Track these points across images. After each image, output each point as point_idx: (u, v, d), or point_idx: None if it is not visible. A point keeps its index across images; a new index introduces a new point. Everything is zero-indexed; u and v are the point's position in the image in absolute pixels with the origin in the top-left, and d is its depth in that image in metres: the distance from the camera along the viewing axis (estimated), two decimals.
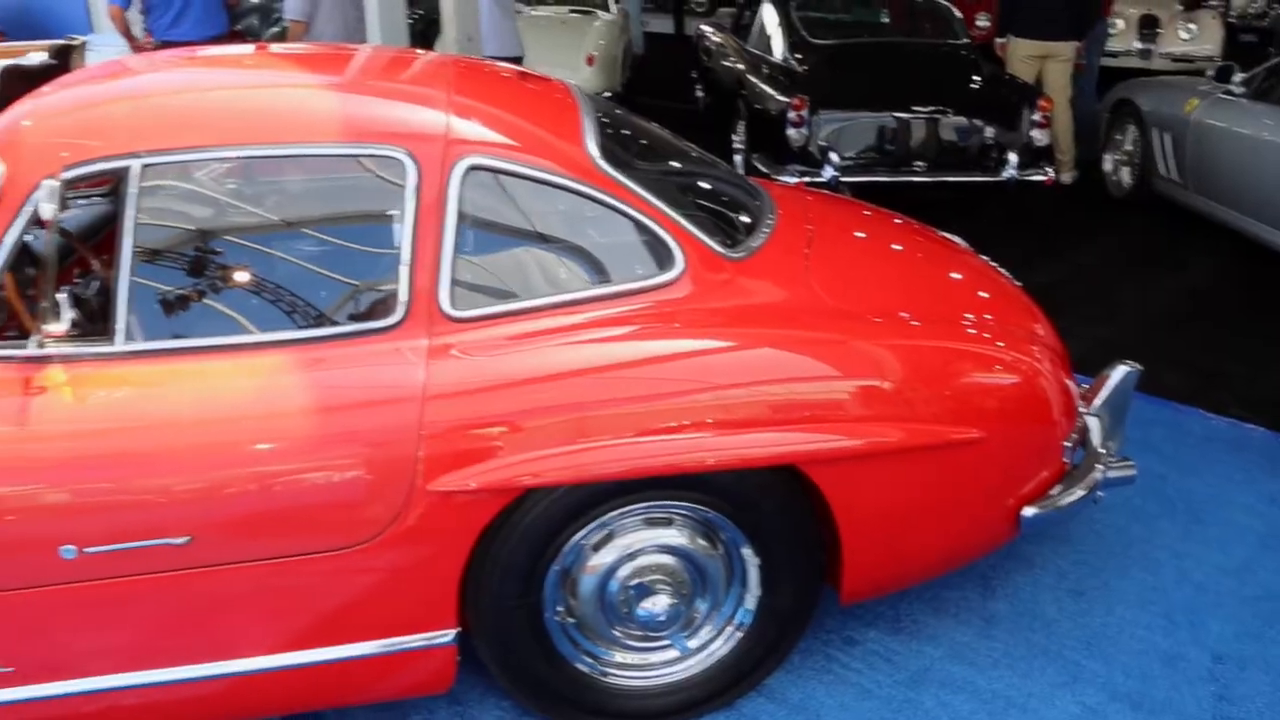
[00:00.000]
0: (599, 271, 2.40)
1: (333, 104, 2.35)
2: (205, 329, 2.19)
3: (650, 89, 9.80)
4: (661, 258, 2.37)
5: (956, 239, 3.35)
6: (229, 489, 2.05)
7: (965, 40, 6.94)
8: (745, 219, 2.72)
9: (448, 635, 2.23)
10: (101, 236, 2.57)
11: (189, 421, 2.06)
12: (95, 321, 2.18)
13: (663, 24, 13.61)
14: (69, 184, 2.10)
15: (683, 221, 2.40)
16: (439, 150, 2.22)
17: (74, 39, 5.67)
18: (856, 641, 2.75)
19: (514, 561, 2.21)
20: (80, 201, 2.61)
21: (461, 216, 2.20)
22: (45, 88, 2.47)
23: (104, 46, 6.30)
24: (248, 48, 3.58)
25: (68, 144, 2.15)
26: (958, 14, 7.16)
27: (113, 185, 2.32)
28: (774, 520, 2.36)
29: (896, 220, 3.35)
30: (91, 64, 5.61)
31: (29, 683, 2.11)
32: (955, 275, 3.03)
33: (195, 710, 2.28)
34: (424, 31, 8.11)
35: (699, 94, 8.87)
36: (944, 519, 2.52)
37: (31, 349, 2.07)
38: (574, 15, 9.61)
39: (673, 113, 7.80)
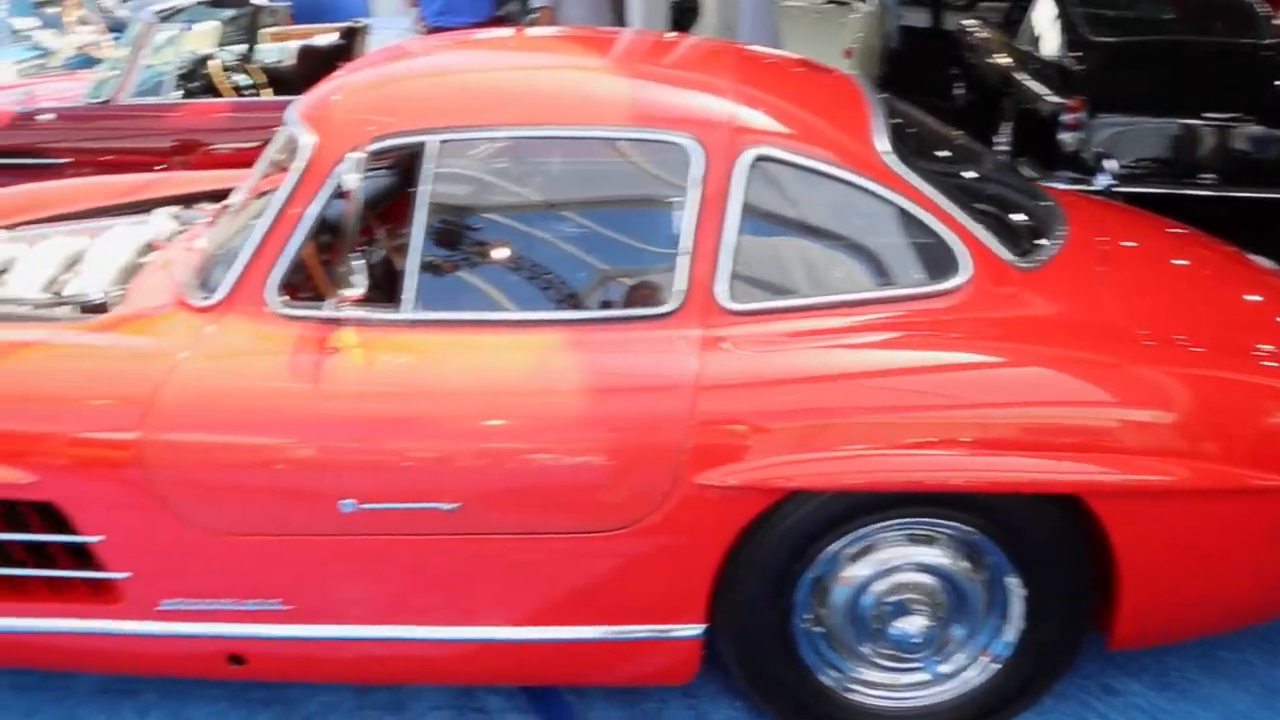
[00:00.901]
0: (880, 273, 2.30)
1: (622, 88, 2.36)
2: (484, 303, 2.25)
3: (905, 85, 9.46)
4: (946, 263, 2.24)
5: (1264, 261, 3.03)
6: (499, 461, 2.10)
7: (1270, 40, 6.30)
8: (1034, 227, 2.54)
9: (695, 630, 2.21)
10: (381, 208, 2.69)
11: (466, 391, 2.12)
12: (380, 288, 2.28)
13: (918, 18, 13.15)
14: (371, 157, 2.20)
15: (972, 226, 2.26)
16: (726, 139, 2.19)
17: (359, 22, 6.04)
18: (1117, 692, 2.54)
19: (769, 563, 2.16)
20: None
21: (745, 208, 2.16)
22: (350, 65, 2.61)
23: (384, 29, 6.70)
24: (531, 31, 3.66)
25: (373, 119, 2.25)
26: (1261, 9, 6.50)
27: (401, 160, 2.41)
28: (1046, 550, 2.19)
29: (1200, 239, 3.06)
30: (378, 45, 5.96)
31: (299, 622, 2.24)
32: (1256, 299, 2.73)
33: (437, 670, 2.36)
34: (679, 19, 8.14)
35: (958, 91, 8.50)
36: (1234, 571, 2.28)
37: (327, 310, 2.18)
38: (830, 6, 9.40)
39: (929, 110, 7.50)
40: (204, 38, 5.64)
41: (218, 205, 3.41)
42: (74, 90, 5.47)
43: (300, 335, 2.18)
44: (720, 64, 2.65)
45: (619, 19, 6.82)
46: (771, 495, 2.09)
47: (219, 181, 3.70)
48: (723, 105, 2.29)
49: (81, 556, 2.25)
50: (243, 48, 5.98)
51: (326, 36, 6.16)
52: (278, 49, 6.37)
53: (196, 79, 5.39)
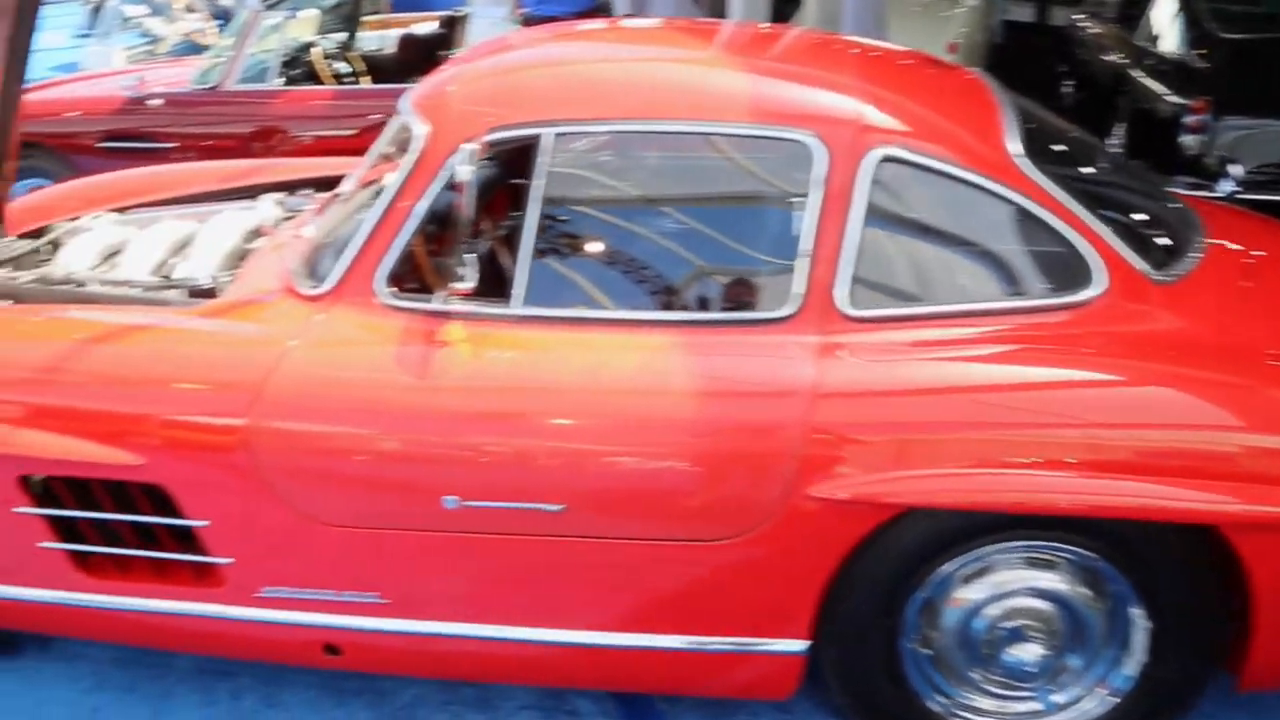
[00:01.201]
0: (1007, 282, 2.19)
1: (741, 83, 2.29)
2: (594, 301, 2.20)
3: (1009, 82, 9.21)
4: (1079, 274, 2.12)
5: None
6: (606, 463, 2.05)
7: None
8: (1172, 236, 2.41)
9: (798, 645, 2.13)
10: (488, 201, 2.65)
11: (575, 390, 2.08)
12: (487, 282, 2.25)
13: (1023, 12, 12.78)
14: (484, 148, 2.16)
15: (1107, 236, 2.14)
16: (851, 138, 2.10)
17: (458, 11, 6.04)
18: None
19: (879, 581, 2.08)
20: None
21: (869, 209, 2.07)
22: (461, 55, 2.58)
23: (480, 19, 6.69)
24: (637, 22, 3.60)
25: (489, 110, 2.22)
26: None
27: (510, 152, 2.36)
28: (1173, 582, 2.07)
29: None
30: (477, 34, 5.97)
31: (395, 616, 2.22)
32: None
33: (530, 670, 2.33)
34: (779, 9, 8.01)
35: (1066, 89, 8.21)
36: None
37: (436, 303, 2.15)
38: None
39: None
40: (305, 25, 5.71)
41: (324, 193, 3.44)
42: (181, 76, 5.59)
43: (408, 327, 2.15)
44: (842, 59, 2.56)
45: (718, 8, 6.71)
46: (885, 511, 2.01)
47: (323, 169, 3.73)
48: (849, 103, 2.20)
49: (186, 539, 2.26)
50: (343, 36, 6.04)
51: (426, 25, 6.20)
52: (377, 37, 6.42)
53: (298, 66, 5.45)
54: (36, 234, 3.54)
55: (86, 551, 2.31)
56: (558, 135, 2.16)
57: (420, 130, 2.23)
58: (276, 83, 5.21)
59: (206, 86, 5.18)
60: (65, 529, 2.31)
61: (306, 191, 3.58)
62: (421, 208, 2.18)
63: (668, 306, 2.18)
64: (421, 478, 2.11)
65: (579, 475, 2.05)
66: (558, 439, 2.06)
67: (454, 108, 2.25)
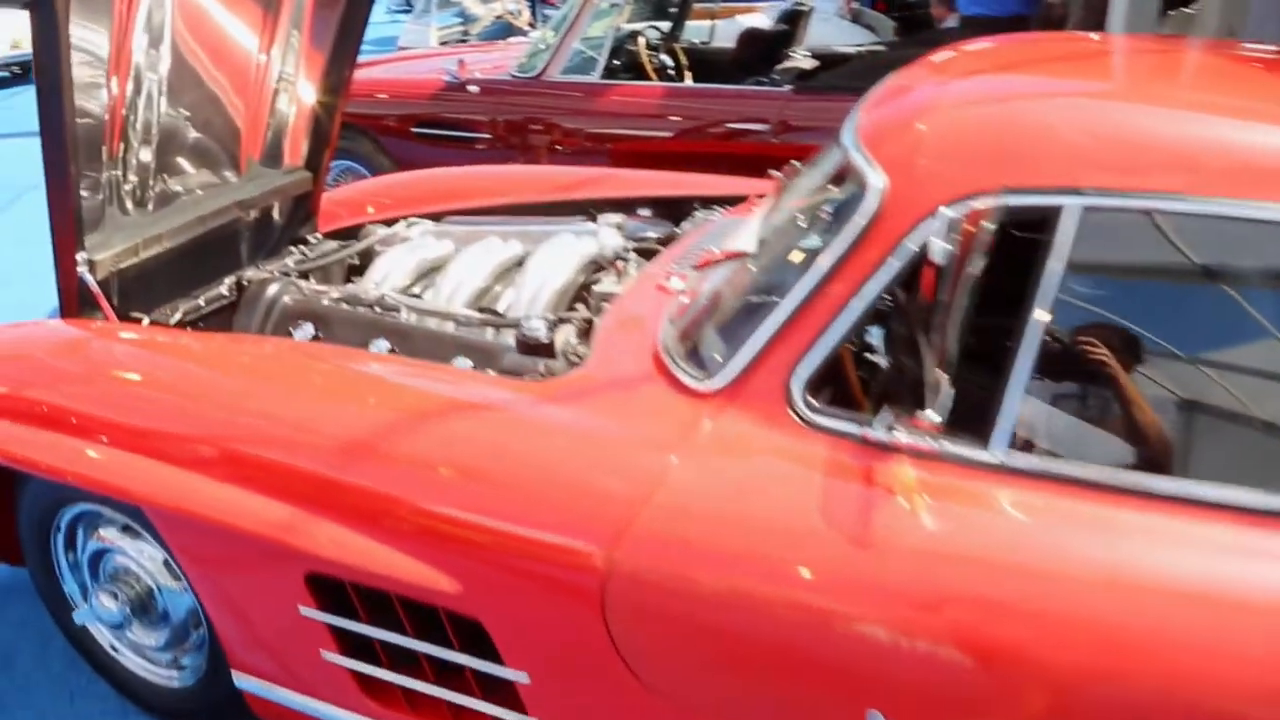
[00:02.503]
0: None
1: None
2: (1122, 458, 1.47)
3: None
4: None
5: None
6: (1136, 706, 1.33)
7: None
8: None
9: None
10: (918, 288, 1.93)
11: (1083, 588, 1.36)
12: (952, 410, 1.57)
13: None
14: (972, 218, 1.49)
15: None
16: None
17: (803, 4, 5.34)
18: None
19: None
20: None
21: None
22: (916, 74, 1.90)
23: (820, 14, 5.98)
24: (1131, 39, 2.77)
25: (988, 164, 1.53)
26: None
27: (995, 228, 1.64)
28: None
29: None
30: (819, 31, 5.30)
31: None
32: None
33: None
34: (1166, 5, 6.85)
35: None
36: None
37: (879, 431, 1.50)
38: None
39: None
40: (631, 12, 5.20)
41: (667, 225, 2.87)
42: (501, 61, 5.23)
43: (836, 459, 1.52)
44: None
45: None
46: None
47: (663, 185, 3.19)
48: None
49: (495, 688, 1.73)
50: (667, 25, 5.51)
51: (756, 16, 5.58)
52: (704, 28, 5.89)
53: (618, 56, 4.95)
54: (347, 233, 3.19)
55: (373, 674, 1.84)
56: (1085, 209, 1.46)
57: (876, 182, 1.57)
58: (596, 75, 4.74)
59: (529, 75, 4.77)
60: (353, 641, 1.84)
61: (645, 212, 3.05)
62: (868, 294, 1.53)
63: (1249, 485, 1.40)
64: (841, 677, 1.46)
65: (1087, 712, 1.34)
66: (1054, 653, 1.35)
67: (931, 156, 1.57)
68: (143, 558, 2.13)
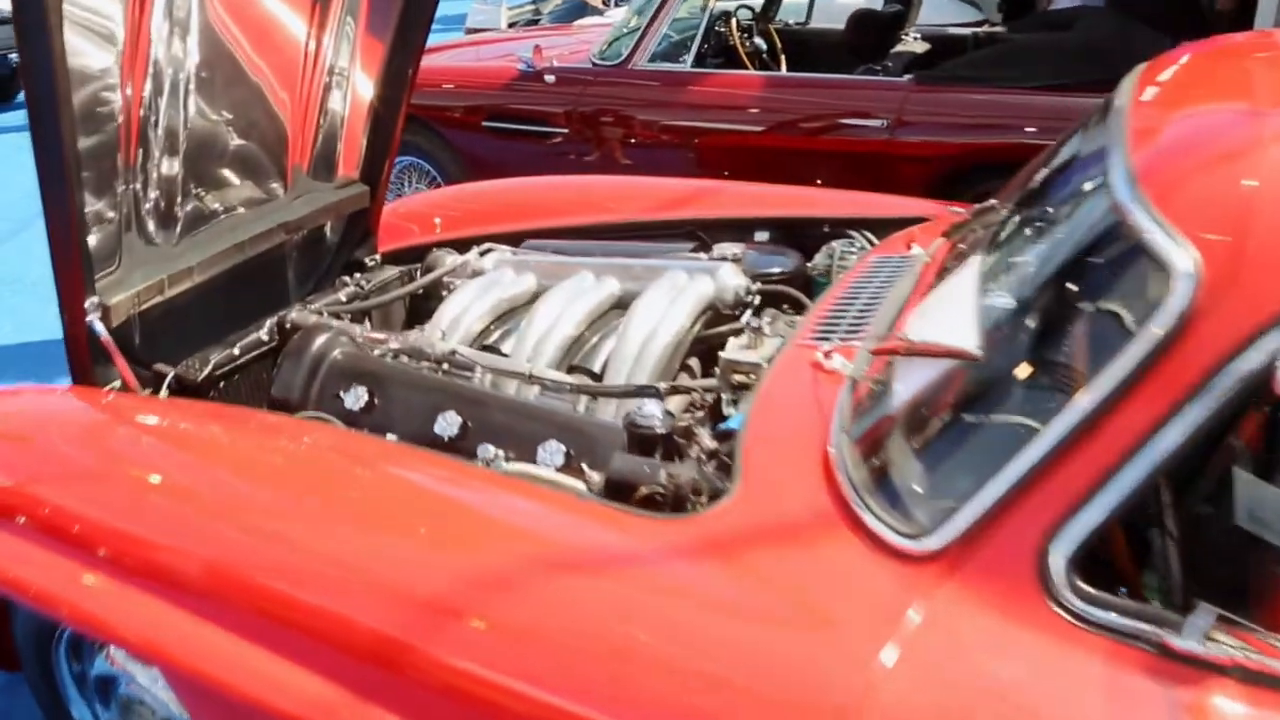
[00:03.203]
0: None
1: None
2: None
3: None
4: None
5: None
6: None
7: None
8: None
9: None
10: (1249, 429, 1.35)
11: None
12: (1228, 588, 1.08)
13: None
14: None
15: None
16: None
17: None
18: None
19: None
20: None
21: None
22: (1193, 89, 1.38)
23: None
24: None
25: None
26: None
27: None
28: None
29: None
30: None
31: None
32: None
33: None
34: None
35: None
36: None
37: (1189, 639, 1.01)
38: None
39: None
40: None
41: (838, 279, 2.32)
42: (570, 45, 4.74)
43: (1113, 675, 1.03)
44: None
45: None
46: None
47: (788, 203, 2.68)
48: None
49: None
50: (756, 2, 4.96)
51: None
52: (799, 5, 5.34)
53: (708, 40, 4.42)
54: (411, 255, 2.74)
55: None
56: None
57: (1184, 264, 1.07)
58: (688, 63, 4.22)
59: (611, 63, 4.27)
60: None
61: (763, 236, 2.55)
62: (1172, 436, 1.04)
63: None
64: None
65: None
66: None
67: (1277, 233, 1.07)
68: (157, 688, 1.72)
